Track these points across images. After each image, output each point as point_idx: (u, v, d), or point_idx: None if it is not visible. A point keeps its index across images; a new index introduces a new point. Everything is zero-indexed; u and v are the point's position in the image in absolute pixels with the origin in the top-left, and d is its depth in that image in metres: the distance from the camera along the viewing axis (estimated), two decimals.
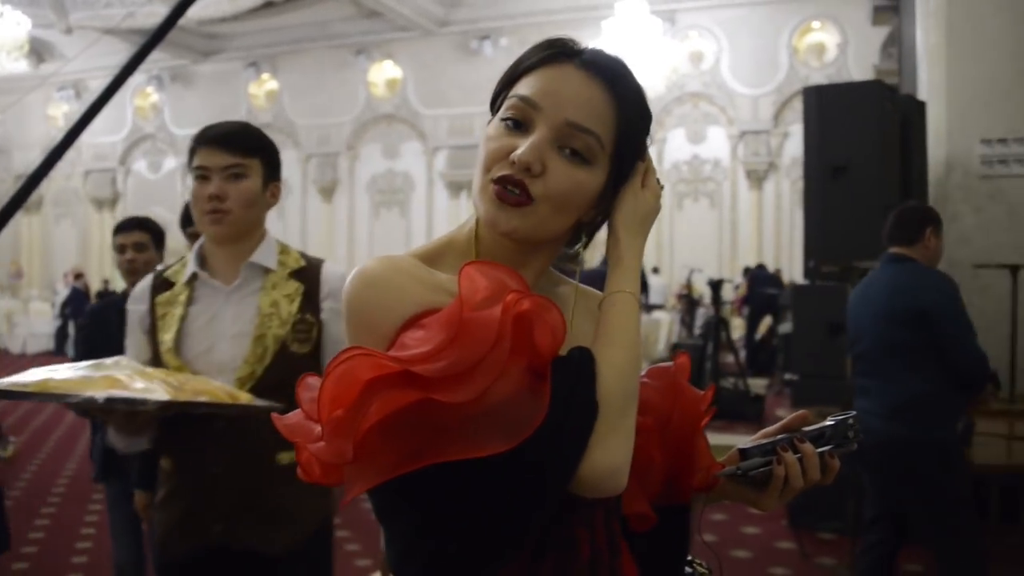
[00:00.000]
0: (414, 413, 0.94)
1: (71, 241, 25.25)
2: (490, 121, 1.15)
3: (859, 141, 5.43)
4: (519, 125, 1.10)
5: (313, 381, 1.00)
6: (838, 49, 18.07)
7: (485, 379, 0.95)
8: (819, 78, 17.10)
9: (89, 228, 24.93)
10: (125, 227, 3.70)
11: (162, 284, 2.32)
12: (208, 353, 2.20)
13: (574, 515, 1.09)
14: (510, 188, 1.07)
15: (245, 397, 2.07)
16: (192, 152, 2.22)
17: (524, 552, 1.05)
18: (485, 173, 1.10)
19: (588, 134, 1.08)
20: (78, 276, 20.47)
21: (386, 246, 21.48)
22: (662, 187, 1.18)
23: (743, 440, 1.27)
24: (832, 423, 1.22)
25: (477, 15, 20.04)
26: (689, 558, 1.31)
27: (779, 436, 1.22)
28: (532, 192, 1.07)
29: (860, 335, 3.82)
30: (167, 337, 2.21)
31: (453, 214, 21.03)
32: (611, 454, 1.01)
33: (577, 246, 1.20)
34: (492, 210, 1.09)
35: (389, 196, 21.90)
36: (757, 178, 18.57)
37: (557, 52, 1.12)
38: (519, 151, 1.06)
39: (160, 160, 24.27)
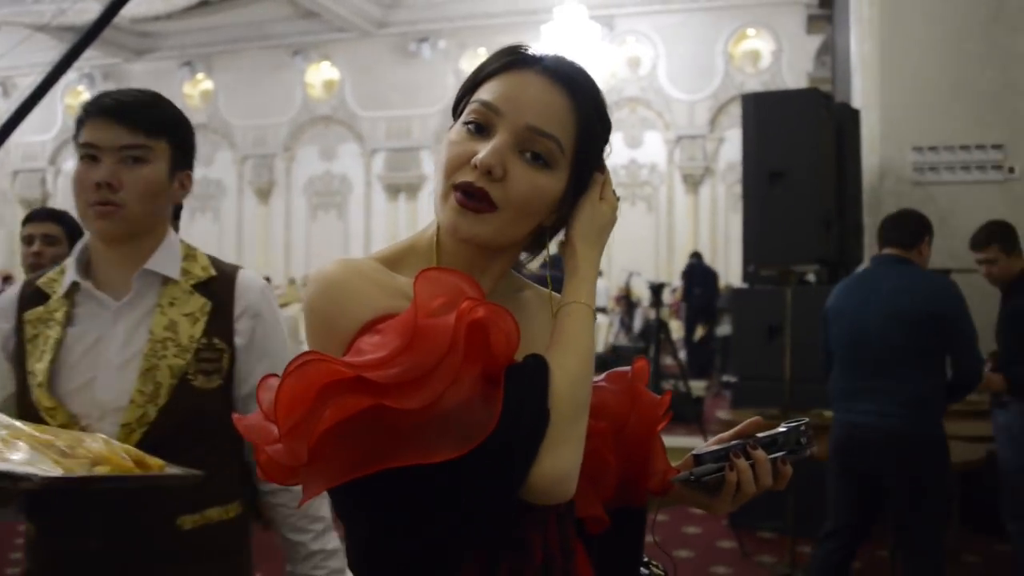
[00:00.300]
0: (367, 419, 0.95)
1: None
2: (451, 127, 1.15)
3: (796, 147, 5.53)
4: (481, 129, 1.10)
5: (273, 381, 1.00)
6: (773, 56, 18.36)
7: (438, 386, 0.96)
8: (754, 85, 17.38)
9: (17, 230, 24.24)
10: (36, 216, 3.36)
11: (33, 296, 1.80)
12: (88, 389, 1.70)
13: (527, 518, 1.09)
14: (471, 194, 1.07)
15: (156, 464, 1.51)
16: (80, 123, 1.74)
17: (478, 555, 1.06)
18: (447, 178, 1.10)
19: (549, 138, 1.09)
20: (6, 279, 19.96)
21: (323, 248, 21.30)
22: (619, 199, 1.20)
23: (683, 441, 1.31)
24: (784, 429, 1.23)
25: (415, 17, 19.98)
26: (645, 559, 1.32)
27: (733, 442, 1.23)
28: (494, 198, 1.07)
29: (864, 335, 3.78)
30: (39, 367, 1.70)
31: (391, 216, 20.94)
32: (561, 462, 1.01)
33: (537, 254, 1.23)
34: (453, 216, 1.09)
35: (326, 198, 21.72)
36: (693, 182, 18.79)
37: (519, 58, 1.13)
38: (480, 155, 1.07)
39: None
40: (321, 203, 21.77)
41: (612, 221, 1.18)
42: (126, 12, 17.43)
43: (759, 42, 18.58)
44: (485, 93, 1.12)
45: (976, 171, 6.49)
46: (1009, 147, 6.42)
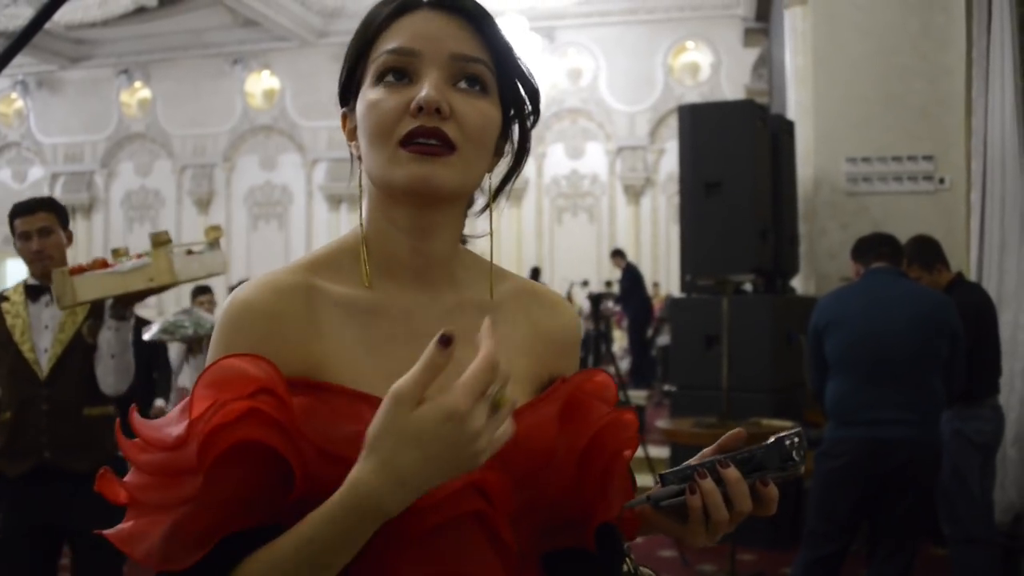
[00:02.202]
0: None
1: None
2: (345, 113, 1.07)
3: (732, 159, 5.61)
4: (402, 76, 1.00)
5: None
6: (712, 69, 18.59)
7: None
8: (693, 96, 17.56)
9: None
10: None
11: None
12: None
13: None
14: (425, 140, 0.96)
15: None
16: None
17: None
18: (385, 142, 0.98)
19: (477, 62, 1.01)
20: None
21: (264, 259, 21.06)
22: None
23: None
24: (765, 446, 1.05)
25: (356, 27, 19.80)
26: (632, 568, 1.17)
27: (704, 461, 1.06)
28: (451, 136, 0.97)
29: (887, 341, 3.80)
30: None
31: (332, 227, 20.79)
32: None
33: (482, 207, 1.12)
34: (418, 167, 0.97)
35: (267, 208, 21.50)
36: (634, 193, 18.93)
37: (401, 5, 1.03)
38: (421, 95, 0.96)
39: (25, 169, 23.29)
40: (262, 213, 21.54)
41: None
42: (61, 19, 17.17)
43: (698, 54, 18.81)
44: (388, 44, 1.01)
45: (908, 182, 6.64)
46: (939, 158, 6.57)
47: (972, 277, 5.81)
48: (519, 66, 1.07)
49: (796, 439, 1.04)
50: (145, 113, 22.19)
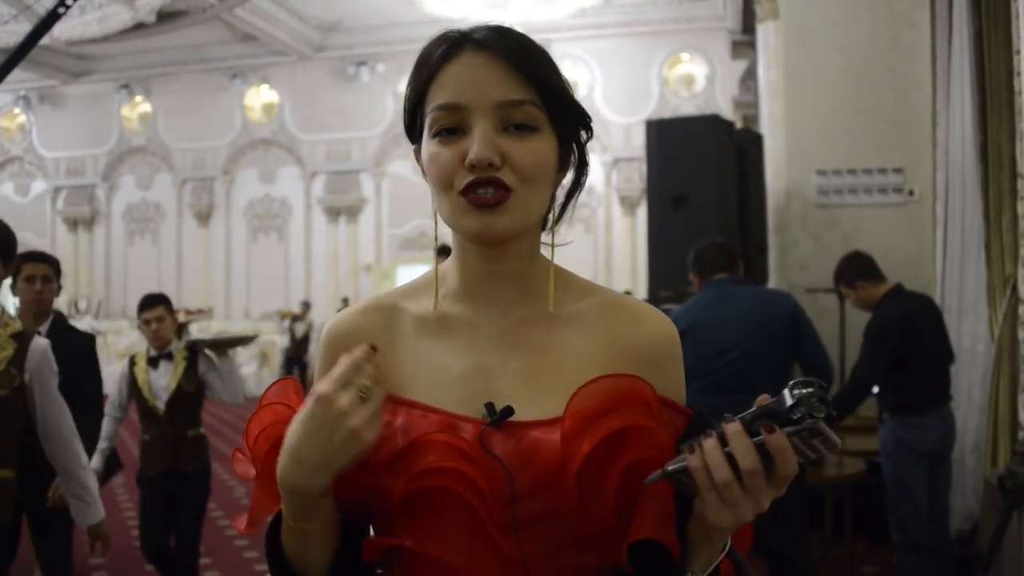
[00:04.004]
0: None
1: None
2: (417, 149, 1.13)
3: (697, 172, 5.66)
4: (454, 132, 1.05)
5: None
6: (706, 80, 18.70)
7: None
8: (688, 108, 17.68)
9: None
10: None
11: None
12: None
13: None
14: (483, 191, 1.03)
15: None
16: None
17: None
18: (447, 192, 1.06)
19: (522, 104, 1.05)
20: None
21: (263, 271, 21.22)
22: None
23: None
24: (774, 399, 0.92)
25: (354, 41, 20.05)
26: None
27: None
28: (506, 183, 1.03)
29: (731, 351, 3.95)
30: None
31: (331, 239, 20.92)
32: None
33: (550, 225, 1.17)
34: (479, 219, 1.04)
35: (266, 221, 21.65)
36: (630, 204, 19.02)
37: (447, 48, 1.08)
38: (472, 153, 1.02)
39: (28, 183, 23.50)
40: (261, 226, 21.69)
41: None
42: (61, 34, 17.33)
43: (693, 66, 18.92)
44: (437, 97, 1.07)
45: (878, 194, 6.70)
46: (908, 170, 6.64)
47: (936, 288, 5.88)
48: (568, 94, 1.11)
49: (809, 390, 0.89)
50: (146, 127, 22.40)
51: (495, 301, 1.14)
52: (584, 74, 19.20)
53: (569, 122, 1.11)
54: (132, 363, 4.67)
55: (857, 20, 6.75)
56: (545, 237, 1.17)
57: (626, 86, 18.99)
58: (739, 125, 11.15)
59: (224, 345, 4.78)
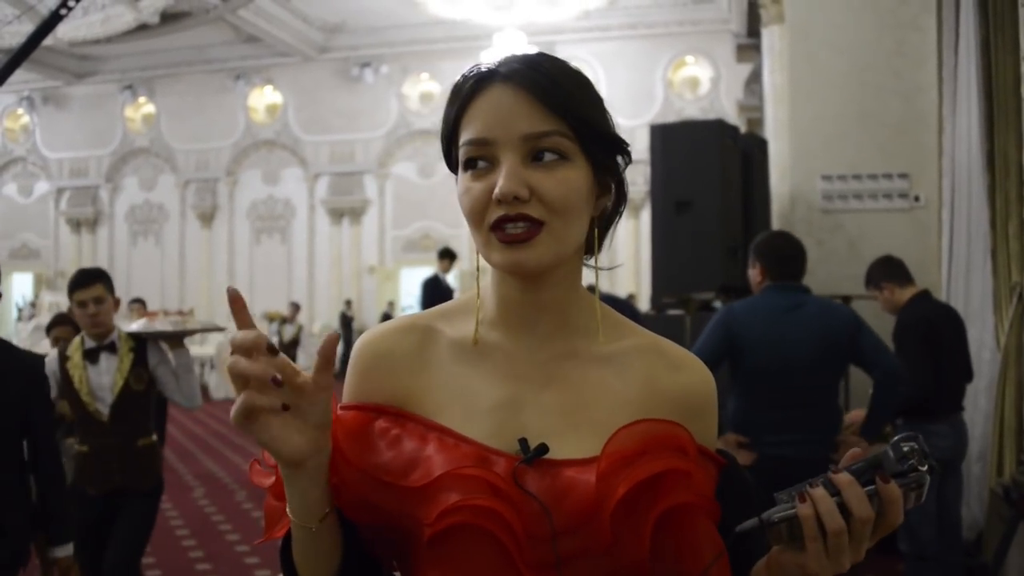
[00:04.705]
0: None
1: None
2: (457, 178, 1.11)
3: (701, 177, 5.63)
4: (484, 165, 1.05)
5: None
6: (711, 83, 18.68)
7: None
8: (693, 111, 17.66)
9: None
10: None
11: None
12: None
13: None
14: (511, 227, 1.03)
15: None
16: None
17: None
18: (479, 227, 1.05)
19: (549, 135, 1.04)
20: None
21: (267, 272, 21.21)
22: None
23: None
24: (879, 453, 0.95)
25: (358, 42, 20.04)
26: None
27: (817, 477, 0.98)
28: (535, 216, 1.03)
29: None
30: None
31: (334, 240, 20.91)
32: None
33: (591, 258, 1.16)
34: (508, 255, 1.04)
35: (270, 222, 21.64)
36: (633, 207, 18.98)
37: (476, 82, 1.08)
38: (498, 187, 1.01)
39: (31, 184, 23.51)
40: (264, 227, 21.68)
41: None
42: (65, 35, 17.34)
43: (698, 69, 18.90)
44: (467, 132, 1.06)
45: (883, 199, 6.66)
46: (914, 176, 6.59)
47: (942, 295, 5.83)
48: (599, 122, 1.09)
49: (915, 444, 0.93)
50: (149, 128, 22.42)
51: (533, 331, 1.12)
52: (589, 76, 19.10)
53: (602, 149, 1.09)
54: (64, 357, 3.85)
55: (863, 25, 6.71)
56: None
57: (630, 89, 18.96)
58: (743, 129, 11.11)
59: (180, 335, 4.06)
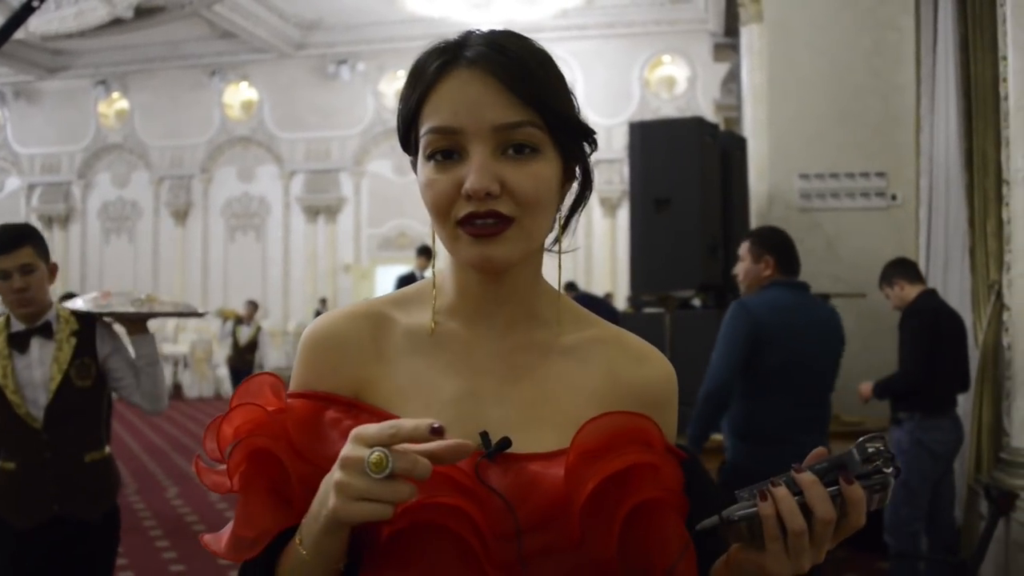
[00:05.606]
0: None
1: None
2: (413, 162, 1.06)
3: (680, 175, 5.61)
4: (450, 155, 0.99)
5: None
6: (688, 82, 18.72)
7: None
8: (669, 110, 17.69)
9: None
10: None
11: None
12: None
13: None
14: (481, 222, 0.98)
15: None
16: None
17: None
18: (444, 220, 1.00)
19: (520, 126, 0.99)
20: None
21: (241, 269, 21.07)
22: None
23: None
24: (844, 452, 0.94)
25: (334, 39, 19.95)
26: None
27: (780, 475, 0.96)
28: (505, 212, 0.98)
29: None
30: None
31: (310, 238, 20.81)
32: None
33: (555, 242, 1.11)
34: (477, 250, 0.99)
35: (245, 220, 21.49)
36: (611, 206, 19.01)
37: (443, 62, 1.01)
38: (469, 183, 0.96)
39: (2, 180, 23.24)
40: (239, 225, 21.53)
41: None
42: (37, 29, 17.13)
43: (674, 68, 18.94)
44: (432, 118, 1.00)
45: (860, 198, 6.69)
46: (891, 175, 6.63)
47: None
48: (569, 111, 1.04)
49: (880, 446, 0.91)
50: (122, 124, 22.20)
51: (493, 321, 1.08)
52: (566, 75, 19.00)
53: (571, 138, 1.05)
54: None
55: (842, 24, 6.73)
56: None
57: (608, 87, 18.98)
58: (721, 128, 11.15)
59: (143, 317, 3.02)
